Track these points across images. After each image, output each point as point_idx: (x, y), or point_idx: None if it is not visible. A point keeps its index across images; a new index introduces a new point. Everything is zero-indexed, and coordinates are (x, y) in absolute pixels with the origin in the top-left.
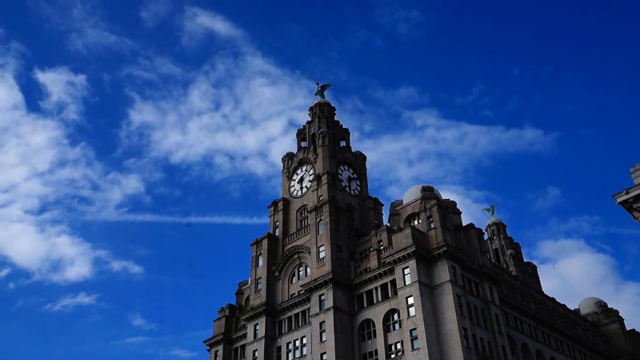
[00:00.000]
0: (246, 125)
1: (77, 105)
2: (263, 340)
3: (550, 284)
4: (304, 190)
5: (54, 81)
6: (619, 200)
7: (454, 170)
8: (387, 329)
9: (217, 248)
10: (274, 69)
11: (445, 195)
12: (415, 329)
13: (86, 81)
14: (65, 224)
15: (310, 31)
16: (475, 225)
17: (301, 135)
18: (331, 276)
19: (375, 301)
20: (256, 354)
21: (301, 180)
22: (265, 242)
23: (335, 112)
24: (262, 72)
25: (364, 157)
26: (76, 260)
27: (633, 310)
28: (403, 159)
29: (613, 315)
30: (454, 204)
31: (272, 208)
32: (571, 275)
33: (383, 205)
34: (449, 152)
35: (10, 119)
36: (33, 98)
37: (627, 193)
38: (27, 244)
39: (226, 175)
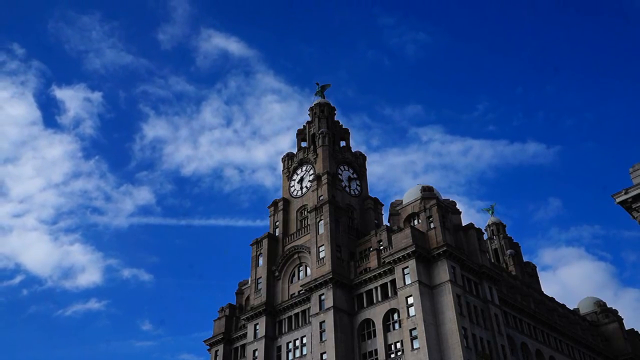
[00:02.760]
0: (256, 140)
1: (93, 120)
2: (263, 340)
3: (550, 290)
4: (304, 190)
5: (72, 98)
6: (618, 200)
7: (457, 181)
8: (387, 329)
9: (218, 249)
10: (285, 86)
11: None
12: (415, 328)
13: (102, 98)
14: (78, 233)
15: (321, 52)
16: (475, 226)
17: (301, 135)
18: (331, 276)
19: (375, 301)
20: (256, 354)
21: (301, 180)
22: (265, 242)
23: (335, 112)
24: (273, 90)
25: (364, 157)
26: (88, 267)
27: (632, 315)
28: (408, 171)
29: (612, 315)
30: (453, 204)
31: (272, 208)
32: (571, 281)
33: (383, 205)
34: (453, 164)
35: (28, 134)
36: (51, 114)
37: (626, 193)
38: (40, 252)
39: (236, 187)
